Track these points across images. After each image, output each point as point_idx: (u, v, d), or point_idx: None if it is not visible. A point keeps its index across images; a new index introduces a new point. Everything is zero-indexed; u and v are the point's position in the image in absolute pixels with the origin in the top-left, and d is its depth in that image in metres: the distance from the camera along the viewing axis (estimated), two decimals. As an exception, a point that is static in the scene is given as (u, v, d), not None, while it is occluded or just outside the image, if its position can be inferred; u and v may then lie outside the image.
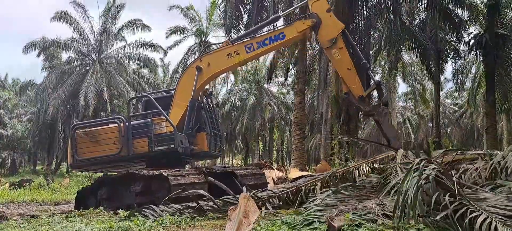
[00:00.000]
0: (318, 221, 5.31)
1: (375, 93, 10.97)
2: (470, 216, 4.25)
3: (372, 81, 10.39)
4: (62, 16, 33.30)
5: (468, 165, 6.50)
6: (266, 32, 11.01)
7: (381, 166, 8.19)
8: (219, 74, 12.27)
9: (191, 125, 10.19)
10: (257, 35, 10.92)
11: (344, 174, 8.19)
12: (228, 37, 19.87)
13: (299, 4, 16.48)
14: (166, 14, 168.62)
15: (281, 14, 12.68)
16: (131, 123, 10.00)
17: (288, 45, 16.90)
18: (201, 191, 7.79)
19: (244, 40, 10.66)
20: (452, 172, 6.22)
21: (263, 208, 7.02)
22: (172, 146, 9.60)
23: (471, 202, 4.48)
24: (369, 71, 10.68)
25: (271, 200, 7.63)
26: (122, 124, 9.82)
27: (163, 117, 9.85)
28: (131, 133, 9.67)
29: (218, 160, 41.17)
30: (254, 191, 7.92)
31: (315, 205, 6.10)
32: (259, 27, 12.31)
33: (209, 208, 7.30)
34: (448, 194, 4.51)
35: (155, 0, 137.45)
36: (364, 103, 10.25)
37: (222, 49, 10.55)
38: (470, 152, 7.16)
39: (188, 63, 39.24)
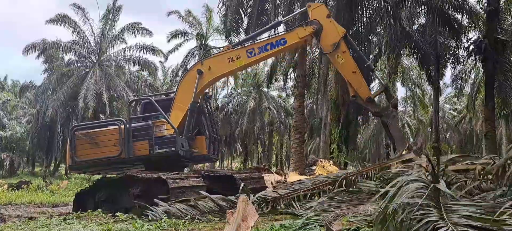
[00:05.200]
0: (318, 224, 5.31)
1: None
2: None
3: (379, 84, 10.39)
4: (60, 19, 33.27)
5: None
6: (268, 38, 11.05)
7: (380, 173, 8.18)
8: (220, 78, 12.28)
9: (191, 128, 10.18)
10: (259, 40, 10.96)
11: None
12: (229, 42, 19.95)
13: (299, 10, 16.56)
14: (164, 21, 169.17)
15: (281, 20, 12.72)
16: (132, 125, 9.96)
17: (289, 51, 17.04)
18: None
19: (245, 45, 10.70)
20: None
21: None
22: (173, 148, 9.57)
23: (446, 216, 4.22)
24: (375, 72, 10.68)
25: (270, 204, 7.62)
26: (122, 126, 9.79)
27: (164, 120, 9.83)
28: (132, 135, 9.65)
29: (217, 163, 41.09)
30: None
31: (312, 210, 6.11)
32: (260, 32, 12.36)
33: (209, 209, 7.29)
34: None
35: (153, 7, 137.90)
36: (373, 105, 10.32)
37: (223, 53, 10.59)
38: (480, 161, 6.87)
39: (189, 66, 39.64)
